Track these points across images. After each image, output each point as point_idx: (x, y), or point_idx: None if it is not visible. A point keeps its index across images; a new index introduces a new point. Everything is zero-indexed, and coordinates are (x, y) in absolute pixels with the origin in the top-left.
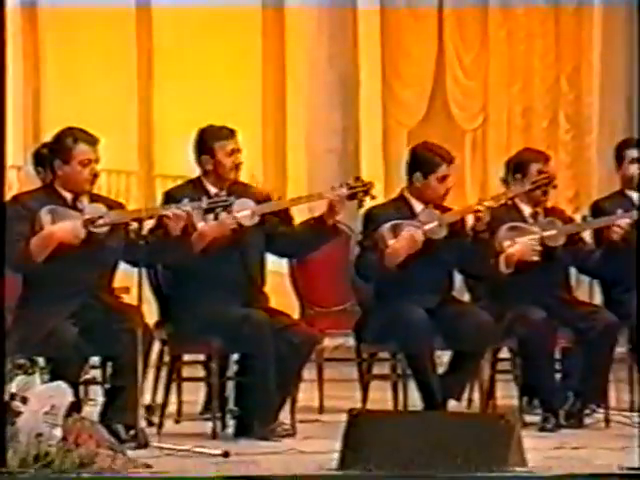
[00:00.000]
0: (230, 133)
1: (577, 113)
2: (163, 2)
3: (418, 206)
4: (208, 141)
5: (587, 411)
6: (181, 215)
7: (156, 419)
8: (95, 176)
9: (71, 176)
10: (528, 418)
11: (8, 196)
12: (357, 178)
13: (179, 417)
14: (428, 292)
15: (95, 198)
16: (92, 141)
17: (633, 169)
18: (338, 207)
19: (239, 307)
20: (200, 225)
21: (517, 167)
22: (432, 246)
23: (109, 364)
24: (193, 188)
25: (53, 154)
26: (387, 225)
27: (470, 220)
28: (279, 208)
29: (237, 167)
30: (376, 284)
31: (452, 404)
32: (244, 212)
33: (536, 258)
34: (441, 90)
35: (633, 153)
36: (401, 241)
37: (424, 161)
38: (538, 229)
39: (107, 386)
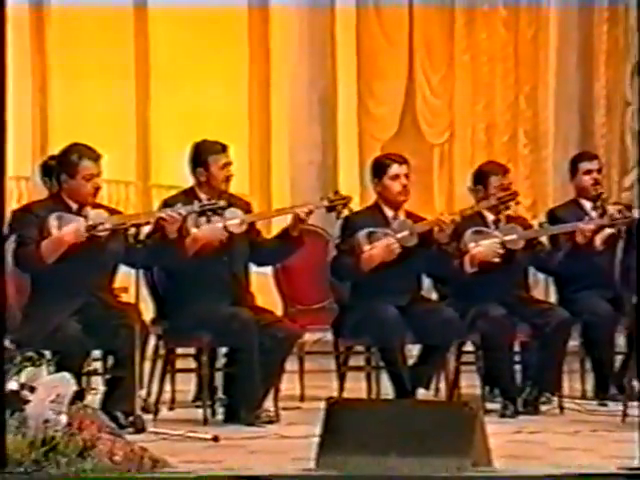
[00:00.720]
0: (222, 148)
1: (534, 129)
2: (159, 27)
3: (389, 212)
4: (202, 155)
5: (543, 399)
6: (176, 217)
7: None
8: (97, 189)
9: (76, 189)
10: (489, 405)
11: (17, 205)
12: (336, 192)
13: (173, 405)
14: (399, 292)
15: (97, 206)
16: (95, 157)
17: (586, 180)
18: (304, 220)
19: (227, 306)
20: (194, 230)
21: (478, 178)
22: (406, 256)
23: (109, 357)
24: (187, 197)
25: (60, 168)
26: (363, 232)
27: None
28: (265, 218)
29: (228, 179)
30: (352, 284)
31: (421, 392)
32: (234, 220)
33: (497, 260)
34: (411, 108)
35: (586, 165)
36: (377, 249)
37: (377, 166)
38: (500, 234)
39: (107, 377)
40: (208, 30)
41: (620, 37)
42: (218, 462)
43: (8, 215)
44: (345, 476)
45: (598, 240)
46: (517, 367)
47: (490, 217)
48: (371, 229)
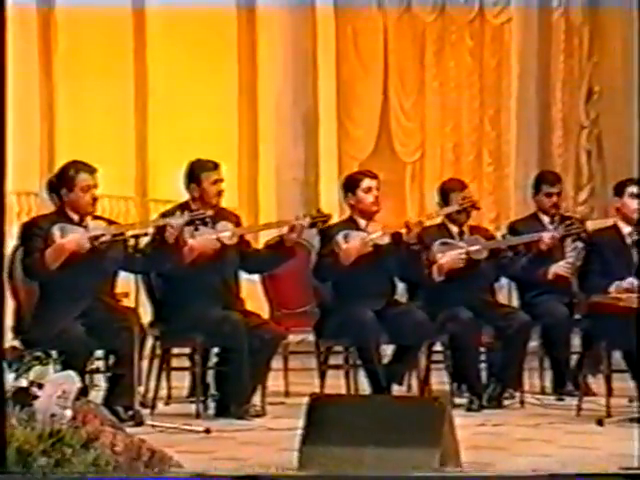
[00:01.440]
0: (214, 166)
1: (497, 149)
2: (157, 54)
3: (362, 221)
4: (196, 172)
5: (506, 394)
6: (170, 226)
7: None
8: (95, 199)
9: (75, 201)
10: (457, 400)
11: (27, 218)
12: (318, 210)
13: (168, 400)
14: (375, 297)
15: (96, 218)
16: (91, 170)
17: (547, 201)
18: (297, 233)
19: (219, 309)
20: (190, 241)
21: (441, 194)
22: (378, 255)
23: (110, 356)
24: (181, 210)
25: (60, 183)
26: (341, 234)
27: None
28: (254, 231)
29: (219, 194)
30: (332, 290)
31: (395, 388)
32: (225, 232)
33: (462, 267)
34: (386, 130)
35: (549, 189)
36: (352, 242)
37: (350, 181)
38: (464, 244)
39: (109, 374)
40: (202, 57)
41: (575, 67)
42: (210, 452)
43: (8, 226)
44: (345, 476)
45: (555, 250)
46: (482, 365)
47: (454, 229)
48: (347, 231)
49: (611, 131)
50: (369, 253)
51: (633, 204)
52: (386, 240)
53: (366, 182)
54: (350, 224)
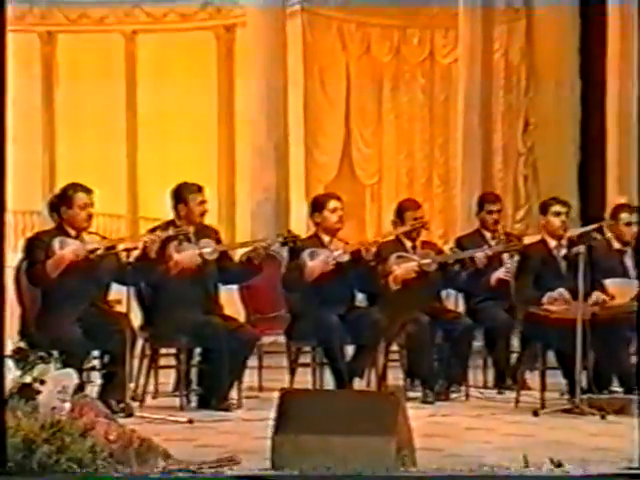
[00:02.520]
0: (199, 188)
1: (446, 173)
2: (145, 88)
3: (326, 238)
4: (183, 193)
5: (453, 389)
6: (155, 239)
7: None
8: (90, 216)
9: (73, 217)
10: (411, 394)
11: (30, 234)
12: (289, 231)
13: (156, 394)
14: (338, 303)
15: (92, 233)
16: (87, 190)
17: (489, 217)
18: (258, 255)
19: (201, 315)
20: (175, 256)
21: (397, 212)
22: (339, 271)
23: (105, 356)
24: (167, 226)
25: (59, 201)
26: (307, 252)
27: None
28: (232, 248)
29: (203, 214)
30: (301, 298)
31: (356, 384)
32: (207, 248)
33: (414, 276)
34: (348, 156)
35: (490, 206)
36: (316, 261)
37: (317, 202)
38: (417, 258)
39: (103, 372)
40: (187, 91)
41: (513, 101)
42: (192, 440)
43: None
44: (344, 476)
45: (494, 261)
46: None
47: (408, 244)
48: (312, 249)
49: (545, 158)
50: (331, 270)
51: (556, 221)
52: (346, 258)
53: (332, 203)
54: (315, 240)
